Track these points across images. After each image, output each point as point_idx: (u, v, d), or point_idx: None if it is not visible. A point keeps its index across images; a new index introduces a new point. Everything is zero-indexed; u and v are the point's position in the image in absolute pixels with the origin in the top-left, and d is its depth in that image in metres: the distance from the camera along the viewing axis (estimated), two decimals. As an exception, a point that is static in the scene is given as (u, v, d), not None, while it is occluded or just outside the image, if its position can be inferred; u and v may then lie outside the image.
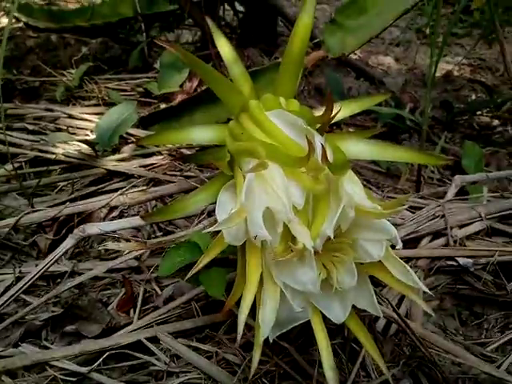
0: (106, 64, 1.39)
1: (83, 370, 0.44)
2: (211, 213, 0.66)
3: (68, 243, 0.51)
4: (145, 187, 0.65)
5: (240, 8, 1.51)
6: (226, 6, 1.48)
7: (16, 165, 0.77)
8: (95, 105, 1.06)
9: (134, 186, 0.67)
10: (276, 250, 0.35)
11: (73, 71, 1.15)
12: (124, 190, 0.64)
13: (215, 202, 0.46)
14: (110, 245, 0.52)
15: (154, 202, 0.70)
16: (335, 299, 0.38)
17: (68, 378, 0.45)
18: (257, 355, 0.35)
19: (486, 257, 0.60)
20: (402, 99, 1.56)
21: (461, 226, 0.62)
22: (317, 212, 0.36)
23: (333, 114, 0.33)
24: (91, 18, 1.52)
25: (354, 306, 0.38)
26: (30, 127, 0.87)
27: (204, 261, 0.35)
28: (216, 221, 0.50)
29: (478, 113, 1.38)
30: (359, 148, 0.50)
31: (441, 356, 0.51)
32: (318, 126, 0.38)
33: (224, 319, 0.50)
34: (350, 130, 1.10)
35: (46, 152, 0.78)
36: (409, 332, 0.48)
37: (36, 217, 0.58)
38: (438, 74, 1.96)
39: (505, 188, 0.92)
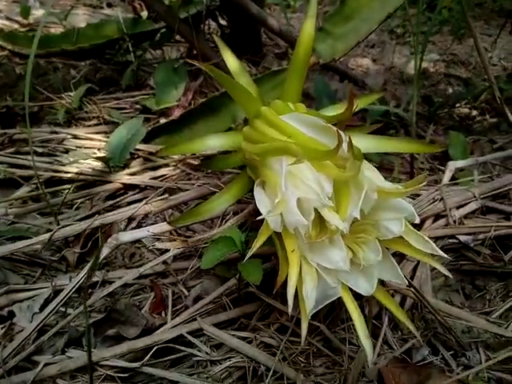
0: (98, 85, 1.43)
1: (135, 365, 0.48)
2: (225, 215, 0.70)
3: (104, 252, 0.55)
4: (166, 195, 0.69)
5: (223, 22, 1.57)
6: (211, 21, 1.54)
7: (32, 187, 0.81)
8: (96, 124, 1.09)
9: (156, 195, 0.71)
10: (310, 234, 0.39)
11: (71, 94, 1.18)
12: (148, 199, 0.68)
13: (234, 204, 0.50)
14: (159, 244, 0.56)
15: (170, 210, 0.73)
16: (362, 275, 0.43)
17: (120, 375, 0.48)
18: (305, 326, 0.40)
19: (483, 233, 0.66)
20: (385, 97, 1.63)
21: (458, 207, 0.68)
22: (340, 199, 0.41)
23: (352, 111, 0.38)
24: (77, 41, 1.56)
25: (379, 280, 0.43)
26: (39, 150, 0.90)
27: (258, 243, 0.40)
28: (243, 219, 0.55)
29: (457, 105, 1.46)
30: (365, 143, 0.56)
31: (453, 324, 0.56)
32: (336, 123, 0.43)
33: (257, 309, 0.54)
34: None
35: (60, 172, 0.82)
36: (425, 303, 0.53)
37: (67, 231, 0.61)
38: (414, 71, 2.05)
39: (491, 172, 0.99)
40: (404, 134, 1.25)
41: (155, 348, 0.50)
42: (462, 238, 0.64)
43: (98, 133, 1.04)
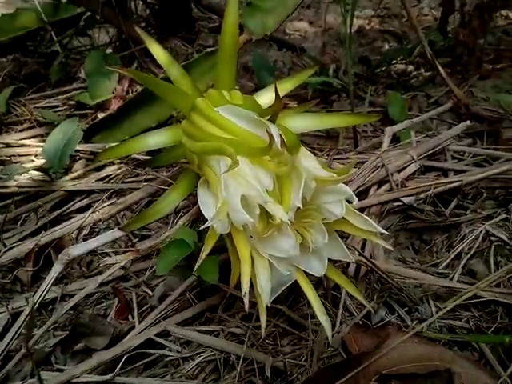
0: (25, 82, 1.33)
1: (107, 377, 0.48)
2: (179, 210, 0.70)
3: (57, 269, 0.54)
4: (114, 200, 0.68)
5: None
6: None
7: (-31, 206, 0.76)
8: (29, 128, 1.03)
9: (102, 201, 0.69)
10: (258, 229, 0.40)
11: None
12: (95, 207, 0.66)
13: (185, 199, 0.50)
14: (108, 260, 0.55)
15: (122, 212, 0.72)
16: (313, 257, 0.45)
17: (95, 388, 0.49)
18: (263, 318, 0.41)
19: (424, 192, 0.70)
20: (324, 61, 1.64)
21: (399, 171, 0.71)
22: (283, 189, 0.42)
23: (280, 107, 0.39)
24: (-6, 35, 1.44)
25: (329, 259, 0.45)
26: (-29, 165, 0.85)
27: (205, 252, 0.40)
28: (195, 214, 0.55)
29: (394, 62, 1.49)
30: (303, 123, 0.57)
31: (405, 283, 0.60)
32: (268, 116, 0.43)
33: (221, 300, 0.56)
34: (286, 101, 1.16)
35: (-3, 187, 0.77)
36: (376, 269, 0.57)
37: (15, 253, 0.59)
38: (345, 35, 2.07)
39: (429, 127, 1.04)
40: (346, 97, 1.27)
41: (125, 356, 0.50)
42: (406, 199, 0.68)
43: (32, 137, 0.99)
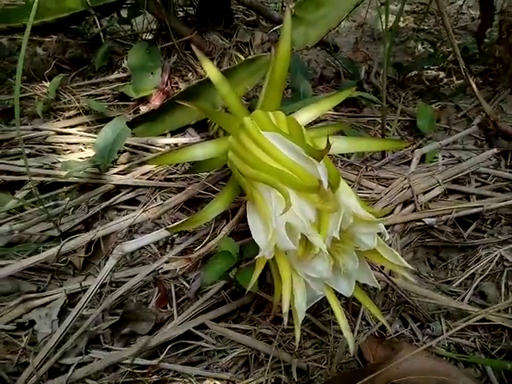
0: (68, 65, 1.40)
1: (154, 362, 0.56)
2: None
3: (112, 262, 0.61)
4: (161, 202, 0.74)
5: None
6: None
7: (26, 192, 0.84)
8: (76, 115, 1.10)
9: (148, 199, 0.76)
10: (298, 253, 0.46)
11: (46, 84, 1.17)
12: (145, 207, 0.73)
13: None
14: (166, 266, 0.62)
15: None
16: (342, 279, 0.51)
17: (141, 371, 0.57)
18: (298, 333, 0.48)
19: (445, 214, 0.74)
20: (356, 58, 1.66)
21: (424, 193, 0.76)
22: (322, 219, 0.48)
23: (326, 150, 0.44)
24: (39, 15, 1.49)
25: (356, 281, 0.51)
26: (26, 151, 0.92)
27: (256, 274, 0.46)
28: (235, 224, 0.61)
29: (426, 67, 1.50)
30: (338, 145, 0.62)
31: (420, 300, 0.66)
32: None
33: (252, 301, 0.62)
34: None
35: (51, 176, 0.85)
36: (394, 286, 0.62)
37: (74, 243, 0.66)
38: (384, 28, 2.06)
39: (455, 141, 1.06)
40: (377, 97, 1.29)
41: (169, 346, 0.58)
42: (427, 220, 0.73)
43: (79, 125, 1.05)
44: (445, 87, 1.46)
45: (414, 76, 1.50)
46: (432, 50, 1.59)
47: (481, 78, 1.46)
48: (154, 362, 0.56)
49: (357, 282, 0.51)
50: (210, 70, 0.66)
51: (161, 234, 0.64)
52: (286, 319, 0.44)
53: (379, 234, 0.48)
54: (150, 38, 1.48)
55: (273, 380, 0.55)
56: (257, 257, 0.45)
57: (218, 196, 0.64)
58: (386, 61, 0.86)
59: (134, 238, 0.72)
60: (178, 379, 0.56)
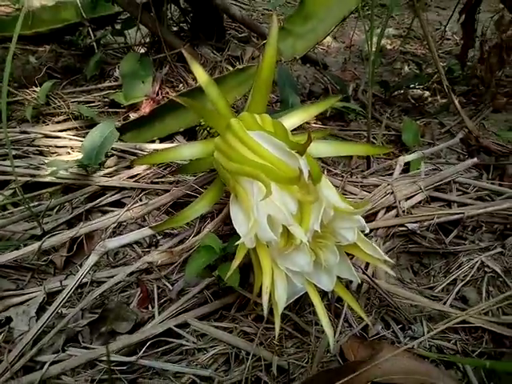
0: (60, 73, 1.41)
1: (132, 359, 0.55)
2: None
3: (93, 259, 0.60)
4: (142, 197, 0.75)
5: (185, 5, 1.56)
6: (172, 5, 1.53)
7: (10, 191, 0.83)
8: (65, 120, 1.11)
9: (133, 200, 0.76)
10: (279, 246, 0.47)
11: (36, 89, 1.18)
12: (129, 206, 0.73)
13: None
14: (147, 258, 0.62)
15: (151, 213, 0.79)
16: (323, 274, 0.51)
17: (119, 368, 0.55)
18: (277, 324, 0.48)
19: (427, 220, 0.76)
20: (344, 77, 1.70)
21: (407, 199, 0.77)
22: (303, 212, 0.48)
23: (308, 143, 0.45)
24: (33, 25, 1.51)
25: (338, 277, 0.51)
26: (13, 152, 0.92)
27: (237, 261, 0.46)
28: (219, 222, 0.61)
29: (411, 86, 1.55)
30: (324, 149, 0.63)
31: (402, 302, 0.66)
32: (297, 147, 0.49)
33: (235, 300, 0.62)
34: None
35: (36, 176, 0.84)
36: (377, 288, 0.63)
37: (55, 240, 0.66)
38: (373, 49, 2.13)
39: (438, 155, 1.09)
40: (363, 117, 1.33)
41: (148, 342, 0.57)
42: (410, 225, 0.74)
43: (68, 129, 1.06)
44: (429, 105, 1.51)
45: (400, 95, 1.54)
46: (418, 71, 1.64)
47: (464, 97, 1.51)
48: (133, 358, 0.55)
49: (338, 277, 0.51)
50: (200, 73, 0.68)
51: (144, 232, 0.64)
52: (265, 308, 0.44)
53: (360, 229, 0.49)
54: (142, 51, 1.51)
55: (253, 378, 0.55)
56: (237, 242, 0.45)
57: (203, 195, 0.64)
58: (371, 72, 0.88)
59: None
60: (156, 377, 0.55)
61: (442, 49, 2.20)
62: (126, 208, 0.72)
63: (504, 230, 0.80)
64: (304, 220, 0.47)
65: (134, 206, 0.73)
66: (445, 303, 0.68)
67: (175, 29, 1.58)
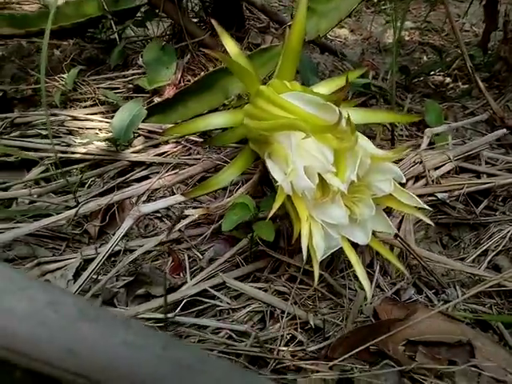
0: (84, 65, 1.44)
1: (169, 315, 0.56)
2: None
3: (128, 223, 0.62)
4: (175, 170, 0.76)
5: (205, -3, 1.58)
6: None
7: (42, 168, 0.86)
8: (92, 105, 1.13)
9: (163, 172, 0.77)
10: (316, 196, 0.47)
11: (63, 75, 1.21)
12: (161, 174, 0.74)
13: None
14: (187, 211, 0.63)
15: (177, 184, 0.80)
16: (358, 228, 0.51)
17: (157, 324, 0.56)
18: (316, 268, 0.48)
19: (457, 190, 0.75)
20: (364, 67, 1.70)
21: (435, 168, 0.77)
22: (339, 165, 0.49)
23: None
24: (57, 20, 1.55)
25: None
26: (43, 132, 0.94)
27: (277, 204, 0.47)
28: (251, 187, 0.62)
29: (432, 73, 1.54)
30: (353, 115, 0.63)
31: (434, 267, 0.66)
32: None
33: (267, 264, 0.63)
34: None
35: (67, 152, 0.87)
36: (409, 250, 0.63)
37: (91, 206, 0.68)
38: (390, 41, 2.13)
39: (463, 135, 1.09)
40: (384, 102, 1.33)
41: (184, 301, 0.58)
42: (440, 195, 0.74)
43: (95, 113, 1.08)
44: (451, 91, 1.49)
45: (420, 81, 1.53)
46: (438, 59, 1.63)
47: (486, 83, 1.49)
48: (170, 315, 0.56)
49: (373, 232, 0.51)
50: (229, 43, 0.69)
51: (177, 198, 0.65)
52: (304, 253, 0.44)
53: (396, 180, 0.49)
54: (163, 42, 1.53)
55: (288, 336, 0.55)
56: (277, 183, 0.46)
57: (232, 163, 0.65)
58: (395, 50, 0.88)
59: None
60: (193, 331, 0.55)
61: (462, 40, 2.18)
62: (157, 176, 0.73)
63: (535, 200, 0.79)
64: (340, 172, 0.47)
65: (166, 174, 0.74)
66: (478, 269, 0.67)
67: (195, 20, 1.61)
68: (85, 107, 1.12)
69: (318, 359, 0.53)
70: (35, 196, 0.73)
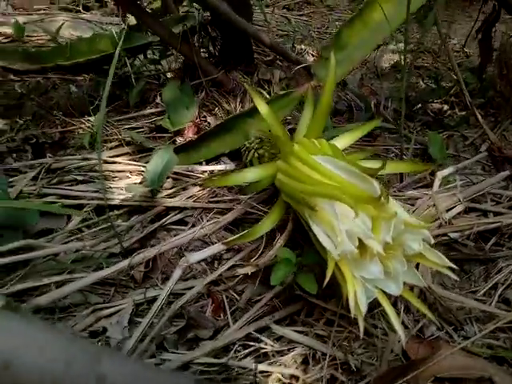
0: (101, 101, 1.51)
1: (222, 360, 0.63)
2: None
3: (178, 272, 0.69)
4: (218, 218, 0.83)
5: (214, 34, 1.66)
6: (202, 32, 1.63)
7: (85, 214, 0.92)
8: (117, 146, 1.20)
9: (201, 219, 0.84)
10: (356, 256, 0.54)
11: (90, 118, 1.27)
12: (203, 224, 0.81)
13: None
14: (240, 270, 0.70)
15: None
16: (392, 281, 0.58)
17: (211, 369, 0.63)
18: (361, 322, 0.55)
19: (468, 229, 0.83)
20: (363, 93, 1.78)
21: (447, 210, 0.85)
22: (375, 227, 0.56)
23: (382, 167, 0.53)
24: (71, 56, 1.62)
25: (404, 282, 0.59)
26: (79, 178, 1.01)
27: (330, 271, 0.54)
28: (287, 237, 0.69)
29: (430, 100, 1.62)
30: (374, 165, 0.71)
31: (452, 304, 0.73)
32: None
33: (301, 308, 0.70)
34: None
35: (109, 200, 0.93)
36: (431, 291, 0.70)
37: (141, 257, 0.74)
38: (386, 65, 2.22)
39: (465, 167, 1.16)
40: (387, 132, 1.40)
41: (236, 345, 0.65)
42: (452, 235, 0.82)
43: (122, 155, 1.15)
44: (449, 118, 1.58)
45: (420, 109, 1.62)
46: (434, 85, 1.72)
47: (482, 109, 1.58)
48: (223, 360, 0.63)
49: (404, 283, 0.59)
50: (260, 104, 0.77)
51: (220, 247, 0.72)
52: (352, 309, 0.52)
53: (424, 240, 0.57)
54: (172, 76, 1.61)
55: (328, 376, 0.62)
56: (338, 251, 0.53)
57: (269, 215, 0.72)
58: (403, 92, 0.97)
59: (183, 255, 0.80)
60: (245, 375, 0.62)
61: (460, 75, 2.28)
62: (199, 226, 0.80)
63: (538, 236, 0.87)
64: (376, 234, 0.55)
65: (206, 224, 0.81)
66: (490, 305, 0.75)
67: (205, 55, 1.69)
68: (111, 148, 1.18)
69: (358, 396, 0.60)
70: (88, 247, 0.79)
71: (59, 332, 0.34)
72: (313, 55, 2.14)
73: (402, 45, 2.59)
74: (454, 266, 0.57)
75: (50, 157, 1.12)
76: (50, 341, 0.31)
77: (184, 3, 2.02)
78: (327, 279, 0.53)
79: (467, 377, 0.62)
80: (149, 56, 1.68)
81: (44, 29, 2.08)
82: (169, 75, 1.66)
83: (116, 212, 0.92)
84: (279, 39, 2.47)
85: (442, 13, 3.13)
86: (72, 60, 1.62)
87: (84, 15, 2.66)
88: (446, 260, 0.56)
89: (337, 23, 3.01)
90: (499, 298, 0.78)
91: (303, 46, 2.28)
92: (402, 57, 0.96)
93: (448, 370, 0.63)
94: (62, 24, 1.93)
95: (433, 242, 0.56)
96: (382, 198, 0.52)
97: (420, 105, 1.62)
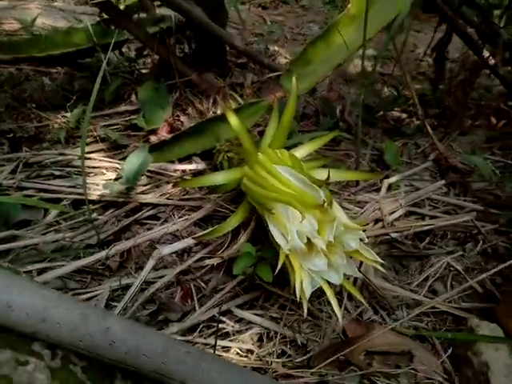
0: (76, 95, 1.55)
1: (189, 338, 0.73)
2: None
3: (151, 263, 0.78)
4: (188, 215, 0.92)
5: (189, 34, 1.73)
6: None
7: (62, 207, 0.99)
8: (92, 142, 1.26)
9: (172, 215, 0.93)
10: (304, 251, 0.65)
11: (66, 114, 1.33)
12: (175, 220, 0.90)
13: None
14: (208, 261, 0.79)
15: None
16: (334, 271, 0.70)
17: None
18: (305, 305, 0.66)
19: (406, 230, 0.96)
20: (331, 97, 1.90)
21: (391, 213, 0.98)
22: (321, 228, 0.67)
23: (326, 180, 0.64)
24: (46, 48, 1.65)
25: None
26: (56, 173, 1.07)
27: (280, 263, 0.65)
28: (250, 234, 0.79)
29: (391, 108, 1.76)
30: (324, 175, 0.82)
31: (387, 294, 0.86)
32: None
33: (260, 295, 0.80)
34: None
35: (82, 194, 1.00)
36: (369, 282, 0.82)
37: (119, 248, 0.83)
38: (353, 71, 2.35)
39: (414, 173, 1.29)
40: (351, 134, 1.52)
41: (201, 326, 0.75)
42: (393, 234, 0.94)
43: (98, 151, 1.21)
44: (406, 126, 1.72)
45: (381, 116, 1.75)
46: (396, 94, 1.86)
47: (436, 119, 1.73)
48: (190, 337, 0.73)
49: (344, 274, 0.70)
50: (233, 120, 0.86)
51: (189, 241, 0.82)
52: (298, 295, 0.63)
53: (360, 239, 0.68)
54: (147, 72, 1.67)
55: (279, 351, 0.73)
56: (287, 247, 0.63)
57: (235, 213, 0.82)
58: (361, 110, 1.08)
59: (156, 248, 0.89)
60: (208, 349, 0.72)
61: (418, 70, 2.43)
62: (171, 222, 0.89)
63: (465, 237, 1.01)
64: (321, 233, 0.66)
65: (178, 220, 0.90)
66: (419, 294, 0.88)
67: (180, 55, 1.75)
68: (87, 144, 1.24)
69: (303, 368, 0.71)
70: (68, 239, 0.87)
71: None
72: (285, 58, 2.24)
73: (369, 51, 2.73)
74: (381, 261, 0.69)
75: (26, 151, 1.18)
76: (71, 304, 0.48)
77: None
78: (278, 268, 0.63)
79: (392, 351, 0.75)
80: (124, 52, 1.73)
81: (16, 18, 2.08)
82: (144, 71, 1.72)
83: (92, 206, 1.00)
84: (254, 38, 2.56)
85: (409, 22, 3.29)
86: (46, 52, 1.63)
87: (57, 3, 2.65)
88: (376, 256, 0.68)
89: (310, 25, 3.12)
90: (429, 289, 0.91)
91: (277, 48, 2.38)
92: (362, 68, 1.07)
93: (378, 345, 0.76)
94: (37, 16, 1.94)
95: (367, 241, 0.68)
96: (325, 205, 0.63)
97: (382, 112, 1.75)
